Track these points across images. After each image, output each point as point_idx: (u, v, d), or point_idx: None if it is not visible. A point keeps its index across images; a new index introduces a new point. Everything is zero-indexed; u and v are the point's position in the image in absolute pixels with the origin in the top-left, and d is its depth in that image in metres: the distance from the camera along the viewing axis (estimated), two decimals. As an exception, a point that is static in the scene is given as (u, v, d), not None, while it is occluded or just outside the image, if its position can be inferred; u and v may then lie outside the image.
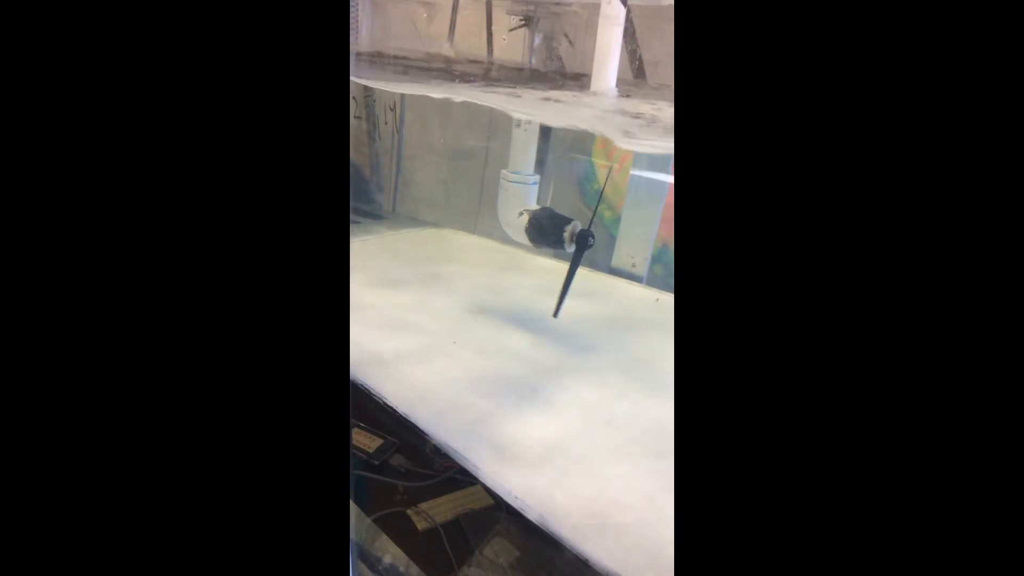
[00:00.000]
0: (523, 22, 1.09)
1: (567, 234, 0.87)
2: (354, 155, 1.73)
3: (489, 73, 1.08)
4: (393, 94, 1.64)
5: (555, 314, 0.88)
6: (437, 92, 0.81)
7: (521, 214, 0.93)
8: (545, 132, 0.94)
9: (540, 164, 0.95)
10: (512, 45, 1.14)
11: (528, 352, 0.93)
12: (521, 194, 0.94)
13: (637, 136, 0.60)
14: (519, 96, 0.80)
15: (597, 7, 0.83)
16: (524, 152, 0.93)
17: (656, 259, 1.31)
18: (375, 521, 0.71)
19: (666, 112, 0.70)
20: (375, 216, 1.72)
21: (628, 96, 0.84)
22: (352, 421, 0.83)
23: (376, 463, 0.78)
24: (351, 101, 1.65)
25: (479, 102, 0.77)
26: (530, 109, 0.80)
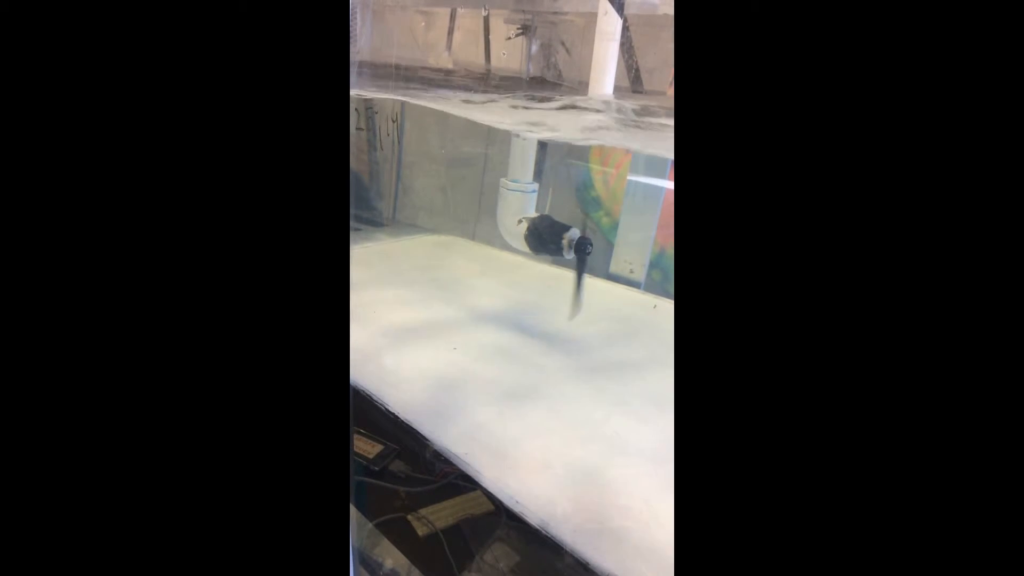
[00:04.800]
0: (520, 31, 1.10)
1: (565, 241, 0.87)
2: (354, 163, 1.74)
3: (488, 82, 1.09)
4: (395, 105, 1.64)
5: (571, 317, 0.90)
6: (438, 105, 0.81)
7: (520, 222, 0.94)
8: (543, 140, 0.94)
9: (539, 172, 0.96)
10: (510, 54, 1.15)
11: (528, 358, 0.93)
12: (520, 202, 0.95)
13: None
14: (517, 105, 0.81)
15: (594, 16, 0.83)
16: (523, 160, 0.94)
17: (654, 264, 1.32)
18: (376, 526, 0.71)
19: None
20: (375, 223, 1.73)
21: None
22: (353, 427, 0.84)
23: (377, 469, 0.78)
24: (353, 112, 1.66)
25: (475, 119, 0.78)
26: (532, 126, 0.81)
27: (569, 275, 0.92)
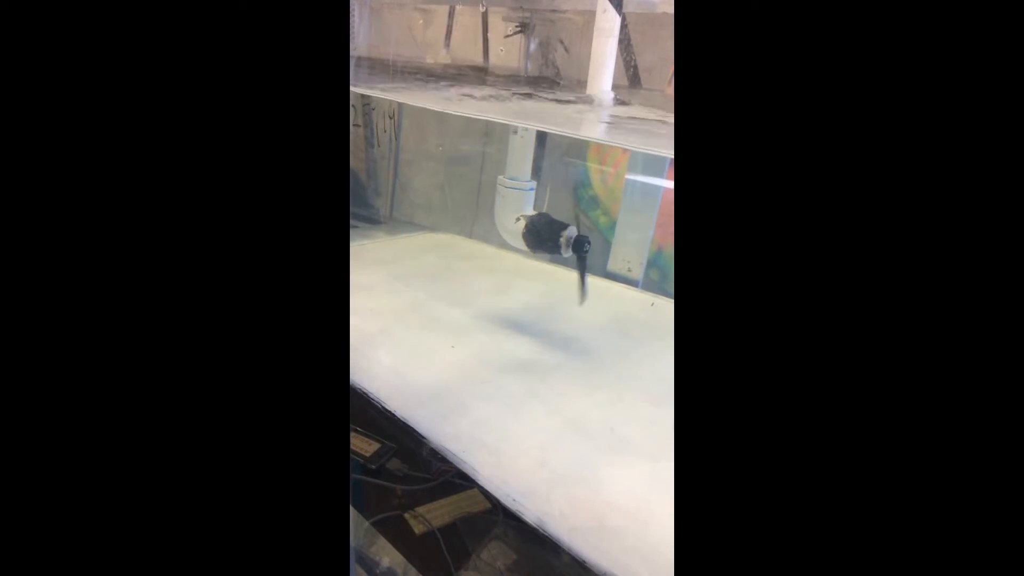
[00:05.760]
0: (519, 29, 1.10)
1: (563, 239, 0.87)
2: (352, 161, 1.74)
3: (485, 79, 1.08)
4: (392, 102, 1.64)
5: (580, 303, 0.94)
6: (435, 105, 0.81)
7: (518, 219, 0.94)
8: (541, 138, 0.94)
9: (536, 169, 0.96)
10: (508, 51, 1.15)
11: (525, 356, 0.93)
12: (518, 199, 0.95)
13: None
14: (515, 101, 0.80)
15: (593, 14, 0.83)
16: (521, 157, 0.94)
17: (651, 263, 1.32)
18: (372, 525, 0.71)
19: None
20: (372, 221, 1.72)
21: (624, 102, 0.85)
22: (350, 426, 0.84)
23: (373, 467, 0.78)
24: (350, 109, 1.65)
25: (476, 115, 0.78)
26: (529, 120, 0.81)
27: (567, 273, 0.92)
